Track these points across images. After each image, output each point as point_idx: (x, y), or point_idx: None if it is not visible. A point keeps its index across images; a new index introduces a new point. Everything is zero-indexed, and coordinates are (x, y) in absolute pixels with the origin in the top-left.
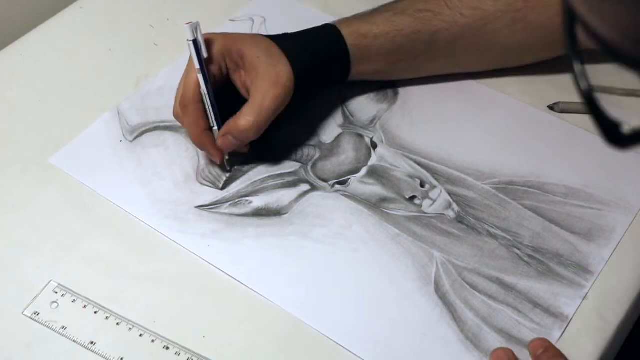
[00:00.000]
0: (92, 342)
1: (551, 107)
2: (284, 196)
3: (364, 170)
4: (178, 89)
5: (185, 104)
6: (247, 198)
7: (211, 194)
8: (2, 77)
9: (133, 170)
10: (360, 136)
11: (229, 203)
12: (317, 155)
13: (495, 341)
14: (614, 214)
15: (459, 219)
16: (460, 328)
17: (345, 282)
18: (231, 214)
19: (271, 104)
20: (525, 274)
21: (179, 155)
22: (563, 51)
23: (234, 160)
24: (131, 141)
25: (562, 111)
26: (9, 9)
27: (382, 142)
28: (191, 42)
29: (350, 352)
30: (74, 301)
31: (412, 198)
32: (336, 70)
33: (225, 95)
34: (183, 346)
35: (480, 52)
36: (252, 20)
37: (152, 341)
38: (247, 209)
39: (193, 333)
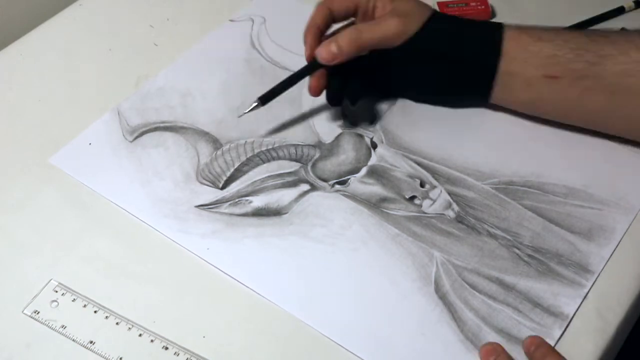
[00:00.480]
0: (91, 342)
1: None
2: (284, 196)
3: (364, 170)
4: None
5: (321, 2)
6: (247, 198)
7: (211, 194)
8: (2, 77)
9: (133, 170)
10: (360, 136)
11: (229, 203)
12: (317, 155)
13: (495, 341)
14: (614, 214)
15: (459, 219)
16: (460, 328)
17: (345, 282)
18: (231, 214)
19: (387, 29)
20: (525, 273)
21: (179, 155)
22: None
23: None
24: (131, 141)
25: None
26: (9, 9)
27: (382, 142)
28: None
29: (350, 352)
30: (73, 300)
31: (412, 198)
32: (482, 58)
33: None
34: (182, 346)
35: None
36: (252, 21)
37: (152, 341)
38: (247, 208)
39: (193, 333)
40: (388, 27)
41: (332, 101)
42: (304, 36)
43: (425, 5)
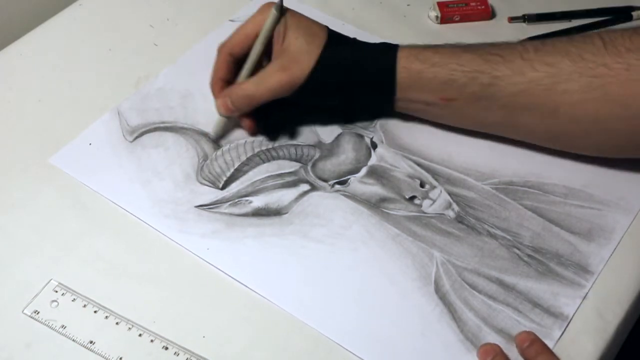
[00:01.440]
0: (91, 342)
1: None
2: (284, 196)
3: (363, 170)
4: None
5: (219, 50)
6: (247, 198)
7: (211, 194)
8: (2, 77)
9: (133, 170)
10: (360, 136)
11: (229, 203)
12: (317, 155)
13: (495, 341)
14: (614, 214)
15: (459, 219)
16: (460, 328)
17: (345, 282)
18: (231, 214)
19: (271, 84)
20: (525, 274)
21: (179, 156)
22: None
23: (226, 130)
24: (131, 141)
25: None
26: (9, 9)
27: (382, 142)
28: (277, 10)
29: (350, 352)
30: (73, 300)
31: (412, 198)
32: (375, 87)
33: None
34: (182, 346)
35: (543, 116)
36: None
37: (152, 341)
38: (247, 208)
39: (193, 333)
40: (273, 83)
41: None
42: (211, 89)
43: (317, 35)
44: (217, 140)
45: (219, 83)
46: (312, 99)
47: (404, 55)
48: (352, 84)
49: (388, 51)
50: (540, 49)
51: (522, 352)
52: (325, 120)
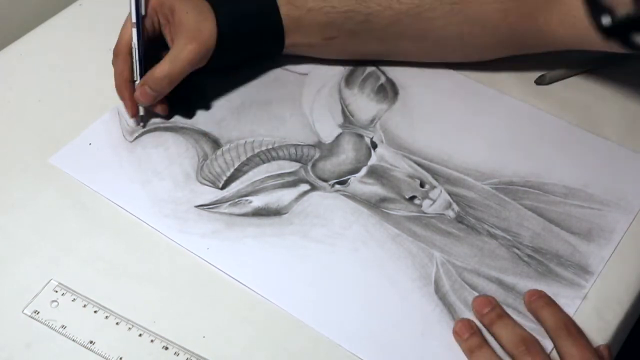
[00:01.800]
0: (91, 342)
1: (539, 82)
2: (284, 196)
3: (363, 170)
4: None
5: (116, 54)
6: (247, 198)
7: (211, 194)
8: (2, 77)
9: (133, 170)
10: (360, 136)
11: (229, 203)
12: (317, 155)
13: (495, 341)
14: (614, 214)
15: (459, 219)
16: None
17: (345, 282)
18: (231, 214)
19: (186, 57)
20: (525, 274)
21: (179, 155)
22: (506, 52)
23: (148, 116)
24: (131, 141)
25: (551, 82)
26: (9, 9)
27: (382, 142)
28: None
29: (350, 352)
30: (73, 300)
31: (412, 198)
32: (268, 37)
33: (156, 50)
34: (182, 346)
35: (414, 41)
36: None
37: (152, 341)
38: (247, 208)
39: (193, 333)
40: (187, 55)
41: (188, 115)
42: (119, 94)
43: (201, 2)
44: (142, 122)
45: (126, 85)
46: (221, 61)
47: (282, 2)
48: (250, 39)
49: (269, 2)
50: None
51: (528, 306)
52: (325, 120)
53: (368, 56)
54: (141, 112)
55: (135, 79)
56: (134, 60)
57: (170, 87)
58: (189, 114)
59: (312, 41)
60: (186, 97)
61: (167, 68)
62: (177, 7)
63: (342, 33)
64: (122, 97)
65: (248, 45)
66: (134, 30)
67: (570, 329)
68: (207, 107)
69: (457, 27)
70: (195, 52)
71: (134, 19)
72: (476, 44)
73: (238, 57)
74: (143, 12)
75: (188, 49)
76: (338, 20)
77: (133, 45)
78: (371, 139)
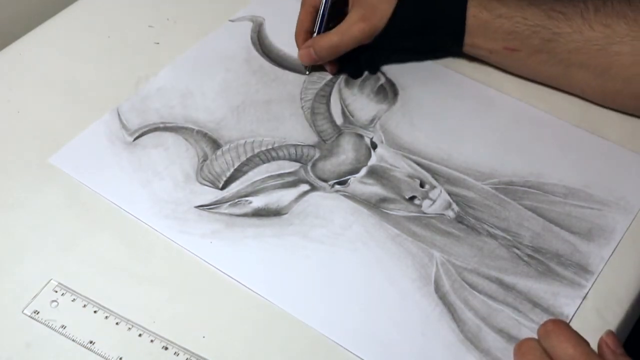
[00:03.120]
0: (91, 342)
1: None
2: (284, 196)
3: (363, 171)
4: None
5: (303, 3)
6: (247, 198)
7: (211, 194)
8: (2, 77)
9: (133, 171)
10: (360, 136)
11: (229, 203)
12: (317, 155)
13: (495, 341)
14: (614, 214)
15: (459, 219)
16: (460, 328)
17: (345, 282)
18: (231, 214)
19: (354, 34)
20: (525, 274)
21: (178, 156)
22: None
23: (315, 68)
24: (131, 142)
25: None
26: (9, 9)
27: (382, 142)
28: None
29: (350, 352)
30: (73, 300)
31: (412, 198)
32: (444, 34)
33: (341, 7)
34: (182, 346)
35: (596, 74)
36: (252, 21)
37: (151, 341)
38: (247, 209)
39: (193, 333)
40: (355, 32)
41: (354, 76)
42: (295, 39)
43: None
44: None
45: (303, 34)
46: (388, 43)
47: (473, 3)
48: (425, 29)
49: (459, 4)
50: (600, 10)
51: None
52: (325, 120)
53: (546, 79)
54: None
55: (314, 31)
56: (319, 14)
57: (332, 57)
58: (355, 75)
59: (493, 48)
60: (354, 58)
61: (335, 40)
62: None
63: (525, 47)
64: (297, 44)
65: (419, 36)
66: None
67: None
68: (374, 69)
69: None
70: (363, 31)
71: None
72: None
73: (406, 44)
74: None
75: (358, 27)
76: (524, 33)
77: (322, 3)
78: (371, 139)
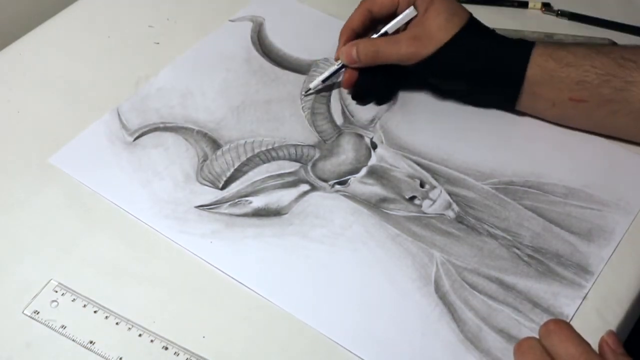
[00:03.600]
0: (91, 342)
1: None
2: (284, 196)
3: (363, 171)
4: None
5: (363, 1)
6: (247, 198)
7: (211, 194)
8: (2, 77)
9: (133, 171)
10: (360, 136)
11: (229, 203)
12: (317, 155)
13: (495, 341)
14: (614, 214)
15: (459, 219)
16: (460, 328)
17: (345, 282)
18: (231, 214)
19: (400, 49)
20: (525, 274)
21: (178, 156)
22: None
23: (319, 89)
24: (131, 142)
25: None
26: (9, 9)
27: (382, 142)
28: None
29: (350, 352)
30: (73, 300)
31: (412, 198)
32: (504, 78)
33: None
34: (182, 346)
35: None
36: (252, 21)
37: (151, 341)
38: (247, 209)
39: (193, 333)
40: (402, 47)
41: (355, 97)
42: (339, 34)
43: (459, 15)
44: (306, 93)
45: (348, 32)
46: (434, 77)
47: (538, 52)
48: (478, 70)
49: (523, 45)
50: None
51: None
52: (326, 120)
53: (614, 131)
54: (313, 84)
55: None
56: (393, 25)
57: (371, 64)
58: (360, 98)
59: (558, 98)
60: (372, 87)
61: (381, 45)
62: (436, 3)
63: (593, 97)
64: (340, 38)
65: (469, 79)
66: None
67: None
68: (377, 99)
69: None
70: (409, 50)
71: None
72: None
73: (450, 84)
74: None
75: (405, 44)
76: (594, 82)
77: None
78: (371, 139)
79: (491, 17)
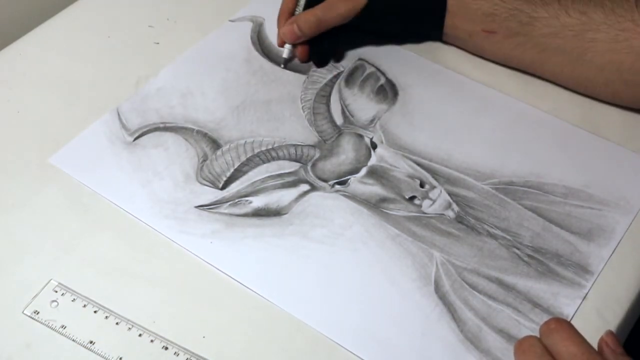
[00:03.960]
0: (91, 342)
1: None
2: (284, 196)
3: (363, 171)
4: None
5: None
6: (247, 198)
7: (211, 194)
8: (2, 77)
9: (133, 171)
10: (360, 136)
11: (229, 203)
12: (317, 155)
13: (495, 341)
14: (614, 214)
15: (459, 219)
16: (460, 328)
17: (345, 282)
18: (231, 214)
19: (338, 11)
20: (525, 274)
21: (179, 156)
22: None
23: (290, 60)
24: (131, 142)
25: None
26: (9, 9)
27: (382, 142)
28: None
29: (350, 352)
30: (73, 300)
31: (412, 198)
32: (428, 14)
33: None
34: (182, 346)
35: (570, 60)
36: (252, 21)
37: (152, 341)
38: (247, 209)
39: (193, 333)
40: (341, 8)
41: (319, 65)
42: (277, 21)
43: None
44: (284, 64)
45: (286, 15)
46: (368, 24)
47: None
48: (406, 10)
49: None
50: None
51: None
52: (325, 120)
53: (520, 63)
54: (285, 54)
55: (296, 11)
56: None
57: (315, 33)
58: (321, 63)
59: (472, 30)
60: (323, 48)
61: (319, 14)
62: None
63: (502, 29)
64: (278, 25)
65: (399, 18)
66: None
67: None
68: (335, 57)
69: (617, 56)
70: (347, 8)
71: None
72: (632, 81)
73: (388, 24)
74: None
75: (342, 4)
76: (502, 15)
77: None
78: (371, 139)
79: None
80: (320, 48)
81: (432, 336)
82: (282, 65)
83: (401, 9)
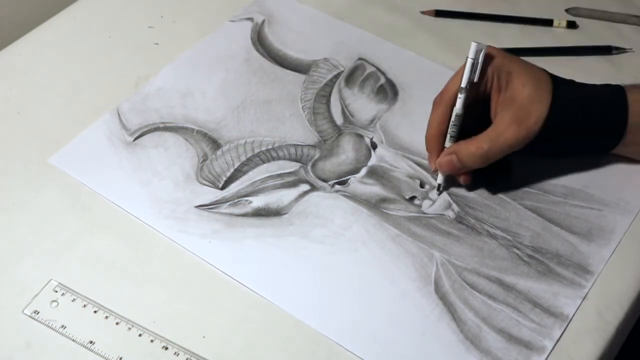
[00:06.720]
0: (91, 342)
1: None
2: (284, 196)
3: (363, 171)
4: (449, 80)
5: (438, 103)
6: (247, 198)
7: (211, 194)
8: (2, 77)
9: (133, 170)
10: (360, 136)
11: (229, 203)
12: (317, 155)
13: (495, 341)
14: (614, 214)
15: (459, 219)
16: (460, 328)
17: (345, 282)
18: (231, 214)
19: (508, 140)
20: (525, 274)
21: (179, 156)
22: None
23: (447, 185)
24: (131, 142)
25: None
26: (9, 9)
27: (382, 142)
28: (470, 60)
29: (350, 352)
30: (73, 300)
31: (412, 198)
32: (603, 132)
33: (474, 111)
34: (182, 346)
35: None
36: (252, 21)
37: (151, 341)
38: (247, 209)
39: (193, 333)
40: (509, 139)
41: (494, 192)
42: (426, 143)
43: (542, 79)
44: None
45: (438, 138)
46: (541, 144)
47: (633, 97)
48: (582, 127)
49: (616, 91)
50: None
51: None
52: (325, 120)
53: None
54: (440, 179)
55: (450, 136)
56: (451, 123)
57: (478, 167)
58: (493, 191)
59: None
60: (492, 173)
61: (486, 147)
62: (514, 76)
63: None
64: (429, 149)
65: (576, 138)
66: (461, 97)
67: None
68: (509, 187)
69: None
70: (518, 137)
71: (463, 84)
72: None
73: (561, 148)
74: (475, 79)
75: (511, 133)
76: None
77: (455, 111)
78: (371, 139)
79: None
80: (490, 171)
81: (432, 336)
82: (437, 192)
83: (580, 129)
